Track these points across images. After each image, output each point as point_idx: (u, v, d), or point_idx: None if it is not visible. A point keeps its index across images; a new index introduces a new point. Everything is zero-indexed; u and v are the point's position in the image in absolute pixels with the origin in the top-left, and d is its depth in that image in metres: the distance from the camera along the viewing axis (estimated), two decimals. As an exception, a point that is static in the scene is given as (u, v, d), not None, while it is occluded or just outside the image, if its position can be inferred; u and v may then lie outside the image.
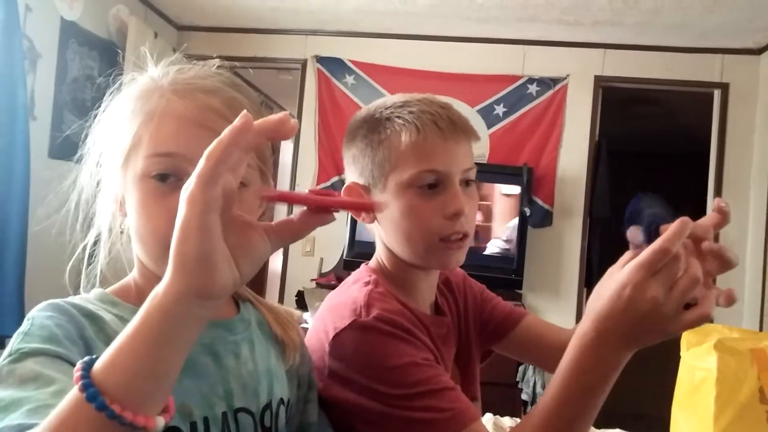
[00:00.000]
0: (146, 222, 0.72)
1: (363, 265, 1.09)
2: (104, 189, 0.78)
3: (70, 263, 0.81)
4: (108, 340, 0.66)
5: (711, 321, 0.74)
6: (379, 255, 1.07)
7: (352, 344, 0.91)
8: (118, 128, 0.75)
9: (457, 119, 1.00)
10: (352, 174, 1.04)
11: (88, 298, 0.75)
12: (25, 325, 0.65)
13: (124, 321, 0.71)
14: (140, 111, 0.74)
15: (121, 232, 0.80)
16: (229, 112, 0.73)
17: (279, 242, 0.54)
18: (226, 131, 0.49)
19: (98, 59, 3.54)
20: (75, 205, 0.80)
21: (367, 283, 1.00)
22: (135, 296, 0.76)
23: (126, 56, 3.54)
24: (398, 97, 1.04)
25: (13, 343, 0.63)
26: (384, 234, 1.03)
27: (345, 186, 1.03)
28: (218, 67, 0.82)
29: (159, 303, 0.48)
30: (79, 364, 0.49)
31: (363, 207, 0.58)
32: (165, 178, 0.71)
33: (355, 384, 0.89)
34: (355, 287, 1.01)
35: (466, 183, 1.01)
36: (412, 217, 0.98)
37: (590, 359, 0.78)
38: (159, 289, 0.49)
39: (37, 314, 0.66)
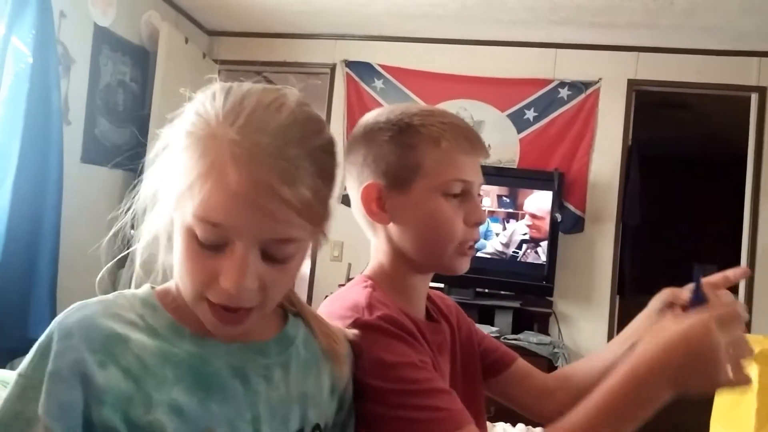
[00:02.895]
0: (184, 276, 0.72)
1: (357, 276, 1.10)
2: (158, 211, 0.76)
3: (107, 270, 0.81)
4: (127, 362, 0.69)
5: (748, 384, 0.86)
6: (380, 259, 1.09)
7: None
8: (174, 166, 0.72)
9: (479, 136, 1.07)
10: (367, 173, 1.05)
11: (133, 298, 0.75)
12: (44, 343, 0.68)
13: (156, 336, 0.72)
14: (197, 161, 0.69)
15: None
16: (285, 188, 0.69)
17: None
18: None
19: (130, 64, 3.58)
20: (127, 216, 0.79)
21: (365, 287, 1.02)
22: (176, 301, 0.76)
23: (158, 61, 3.58)
24: (416, 107, 1.07)
25: (29, 366, 0.67)
26: (398, 234, 1.05)
27: (364, 185, 1.04)
28: (289, 94, 0.76)
29: None
30: None
31: None
32: (211, 246, 0.70)
33: (354, 381, 0.90)
34: (352, 291, 1.03)
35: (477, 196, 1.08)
36: (438, 221, 1.02)
37: (634, 387, 0.83)
38: None
39: (53, 340, 0.68)
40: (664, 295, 1.09)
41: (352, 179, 1.08)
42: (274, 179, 0.69)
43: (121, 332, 0.70)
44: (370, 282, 1.04)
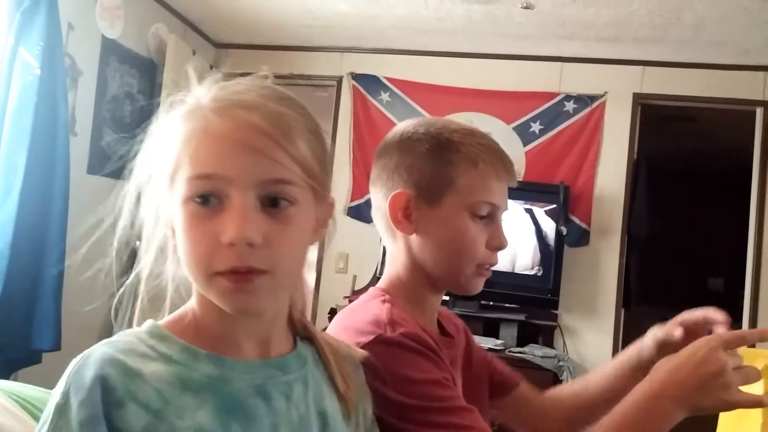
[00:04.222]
0: (189, 248, 0.70)
1: (372, 288, 1.10)
2: (154, 213, 0.76)
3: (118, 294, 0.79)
4: (146, 397, 0.66)
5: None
6: (398, 269, 1.08)
7: (375, 358, 0.91)
8: (162, 152, 0.73)
9: (512, 163, 1.08)
10: (398, 181, 1.06)
11: (138, 333, 0.72)
12: (60, 403, 0.64)
13: (170, 362, 0.70)
14: (180, 133, 0.71)
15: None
16: (272, 128, 0.70)
17: None
18: None
19: (138, 77, 3.60)
20: (115, 226, 0.78)
21: (384, 302, 1.01)
22: (192, 326, 0.74)
23: (165, 73, 3.60)
24: (456, 124, 1.08)
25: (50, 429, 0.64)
26: (420, 247, 1.05)
27: (394, 192, 1.04)
28: (266, 78, 0.79)
29: None
30: None
31: None
32: (206, 201, 0.69)
33: (376, 396, 0.89)
34: (371, 305, 1.02)
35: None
36: (463, 239, 1.03)
37: (648, 406, 0.87)
38: None
39: (70, 397, 0.65)
40: (659, 333, 1.11)
41: (381, 184, 1.08)
42: (259, 120, 0.70)
43: (134, 367, 0.67)
44: (387, 296, 1.03)
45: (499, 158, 1.05)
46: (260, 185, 0.69)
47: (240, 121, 0.70)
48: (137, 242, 0.80)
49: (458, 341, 1.15)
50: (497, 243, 1.05)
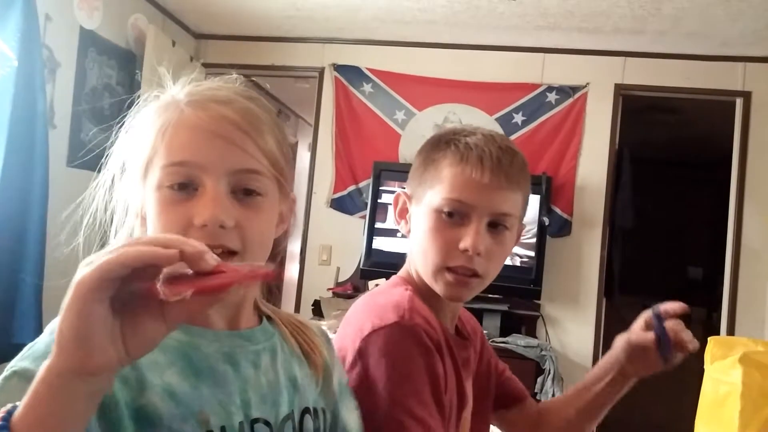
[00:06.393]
0: (160, 229, 0.72)
1: (395, 276, 1.11)
2: (124, 204, 0.79)
3: None
4: None
5: None
6: (409, 266, 1.10)
7: (385, 344, 0.93)
8: (136, 144, 0.77)
9: (507, 165, 1.01)
10: (408, 182, 1.10)
11: None
12: (37, 338, 0.66)
13: None
14: (155, 125, 0.75)
15: None
16: (243, 121, 0.74)
17: (176, 322, 0.54)
18: (152, 249, 0.50)
19: (117, 68, 3.56)
20: (93, 218, 0.80)
21: (406, 290, 1.03)
22: None
23: (144, 65, 3.57)
24: (471, 127, 1.08)
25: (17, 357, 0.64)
26: (411, 246, 1.08)
27: (396, 193, 1.09)
28: (236, 79, 0.83)
29: (43, 377, 0.50)
30: (2, 411, 0.51)
31: (257, 277, 0.58)
32: (181, 188, 0.72)
33: (372, 379, 0.92)
34: (395, 291, 1.03)
35: (495, 225, 1.02)
36: (430, 237, 1.02)
37: None
38: (44, 365, 0.50)
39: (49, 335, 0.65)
40: (627, 338, 1.11)
41: None
42: (231, 114, 0.74)
43: None
44: (409, 287, 1.04)
45: (478, 156, 0.99)
46: (232, 174, 0.73)
47: (213, 113, 0.74)
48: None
49: (474, 344, 1.15)
50: (461, 244, 0.99)
